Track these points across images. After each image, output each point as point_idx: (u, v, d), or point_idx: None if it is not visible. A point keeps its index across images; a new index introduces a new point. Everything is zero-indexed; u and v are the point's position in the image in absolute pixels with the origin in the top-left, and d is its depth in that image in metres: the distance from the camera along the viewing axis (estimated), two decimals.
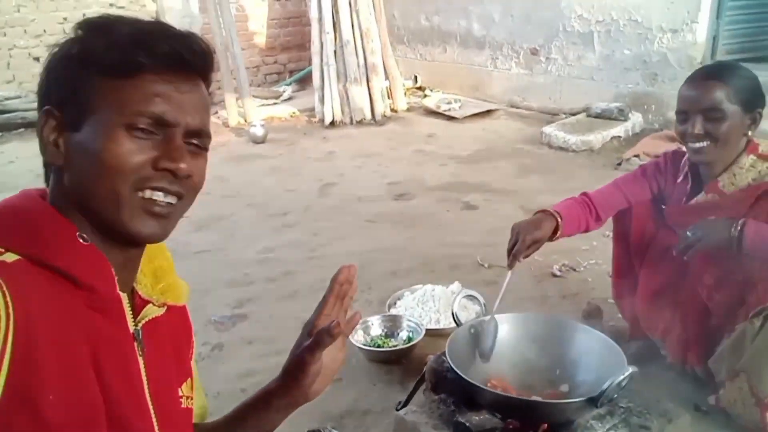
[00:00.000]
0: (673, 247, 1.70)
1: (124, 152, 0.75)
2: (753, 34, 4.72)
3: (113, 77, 0.76)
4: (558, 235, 1.81)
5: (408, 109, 5.86)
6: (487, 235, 3.21)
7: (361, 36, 5.58)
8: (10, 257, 0.70)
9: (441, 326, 2.33)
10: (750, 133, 1.64)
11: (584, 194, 1.94)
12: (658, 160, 1.94)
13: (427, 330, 2.31)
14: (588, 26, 5.05)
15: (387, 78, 5.75)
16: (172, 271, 0.93)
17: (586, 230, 1.92)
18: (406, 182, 4.06)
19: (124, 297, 0.81)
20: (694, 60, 4.53)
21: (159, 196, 0.78)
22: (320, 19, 5.58)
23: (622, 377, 1.28)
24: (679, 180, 1.83)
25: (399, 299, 2.54)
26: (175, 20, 5.93)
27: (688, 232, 1.67)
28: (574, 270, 2.80)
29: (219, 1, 5.74)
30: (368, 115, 5.56)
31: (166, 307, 0.88)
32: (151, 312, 0.85)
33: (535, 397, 1.47)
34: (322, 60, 5.56)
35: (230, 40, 5.74)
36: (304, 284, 2.74)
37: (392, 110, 5.76)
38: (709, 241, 1.62)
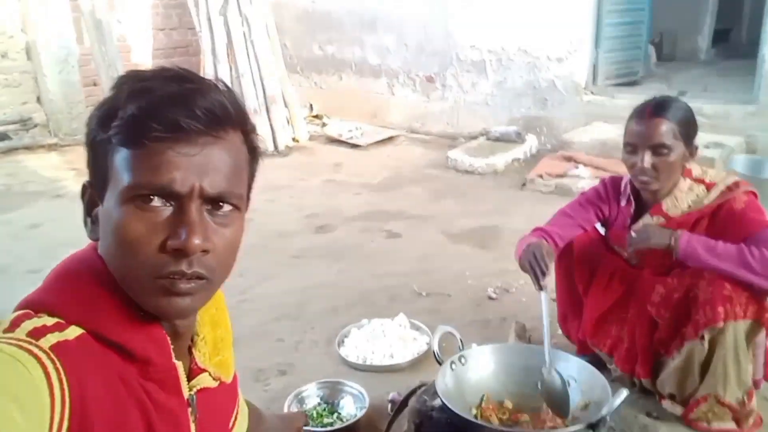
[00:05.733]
0: (622, 251, 1.85)
1: (137, 235, 0.72)
2: (625, 61, 5.22)
3: (124, 147, 0.73)
4: None
5: (309, 138, 5.82)
6: (417, 262, 3.25)
7: (258, 66, 5.49)
8: (73, 333, 0.71)
9: (395, 361, 2.32)
10: (688, 162, 1.81)
11: (539, 229, 2.01)
12: (597, 187, 2.07)
13: (382, 366, 2.29)
14: (480, 55, 5.32)
15: (286, 106, 5.69)
16: (231, 344, 0.93)
17: None
18: (324, 214, 4.01)
19: (179, 365, 0.81)
20: (579, 86, 4.92)
21: (178, 281, 0.74)
22: (213, 51, 5.43)
23: (619, 400, 1.34)
24: (622, 204, 1.97)
25: (346, 337, 2.49)
26: (50, 53, 5.53)
27: (633, 234, 1.83)
28: (507, 291, 2.90)
29: (98, 31, 5.41)
30: (271, 147, 5.45)
31: (219, 382, 0.89)
32: (205, 381, 0.87)
33: (524, 419, 1.50)
34: None
35: (115, 72, 5.41)
36: (242, 330, 2.60)
37: (294, 140, 5.70)
38: (652, 242, 1.79)
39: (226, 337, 0.94)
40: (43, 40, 5.53)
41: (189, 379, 0.84)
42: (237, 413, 1.03)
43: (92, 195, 0.77)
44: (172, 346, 0.79)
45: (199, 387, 0.85)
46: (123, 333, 0.74)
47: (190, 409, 0.83)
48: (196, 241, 0.72)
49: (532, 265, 1.80)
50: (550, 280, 1.79)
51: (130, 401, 0.74)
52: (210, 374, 0.87)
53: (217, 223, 0.76)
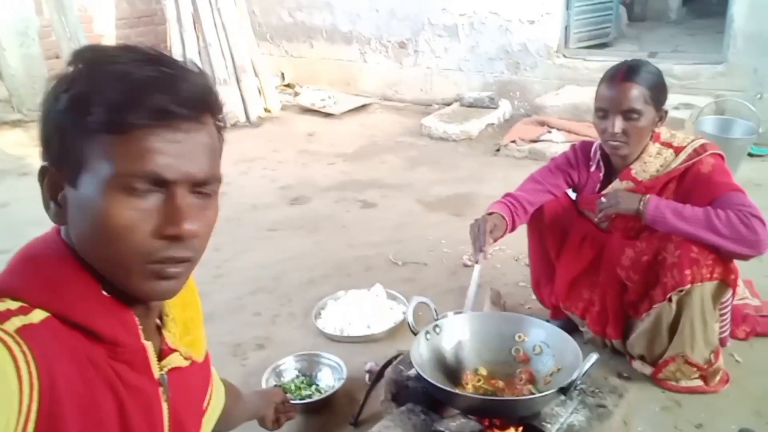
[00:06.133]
0: (592, 216, 1.91)
1: (126, 222, 0.72)
2: (597, 23, 5.21)
3: (104, 133, 0.72)
4: (505, 232, 1.91)
5: (282, 108, 5.74)
6: (392, 232, 3.26)
7: (226, 35, 5.35)
8: (38, 316, 0.71)
9: (372, 332, 2.34)
10: (658, 126, 1.82)
11: (508, 194, 2.03)
12: (567, 153, 2.08)
13: (359, 337, 2.31)
14: (452, 19, 5.25)
15: (256, 76, 5.58)
16: (201, 323, 0.94)
17: (514, 228, 2.01)
18: (298, 185, 3.98)
19: (149, 345, 0.81)
20: (551, 48, 4.90)
21: (169, 266, 0.76)
22: (178, 19, 5.27)
23: (588, 365, 1.37)
24: (592, 169, 1.99)
25: (323, 309, 2.50)
26: (8, 25, 5.32)
27: (603, 199, 1.87)
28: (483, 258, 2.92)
29: (58, 1, 5.21)
30: (242, 118, 5.36)
31: (190, 361, 0.90)
32: (177, 361, 0.87)
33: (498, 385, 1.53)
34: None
35: (77, 44, 5.24)
36: (218, 305, 2.60)
37: (266, 110, 5.61)
38: (621, 207, 1.82)
39: (196, 317, 0.95)
40: (1, 13, 5.31)
41: (160, 359, 0.84)
42: (211, 392, 1.04)
43: (55, 178, 0.75)
44: (140, 327, 0.79)
45: (170, 367, 0.85)
46: (89, 315, 0.74)
47: (161, 389, 0.83)
48: (191, 227, 0.74)
49: (474, 238, 1.82)
50: (487, 254, 1.83)
51: (100, 383, 0.74)
52: (181, 354, 0.88)
53: (201, 206, 0.78)
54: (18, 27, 5.41)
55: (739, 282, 1.88)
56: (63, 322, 0.72)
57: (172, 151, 0.73)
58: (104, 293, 0.76)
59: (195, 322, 0.93)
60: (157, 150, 0.72)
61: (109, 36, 6.42)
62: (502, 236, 1.92)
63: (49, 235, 0.80)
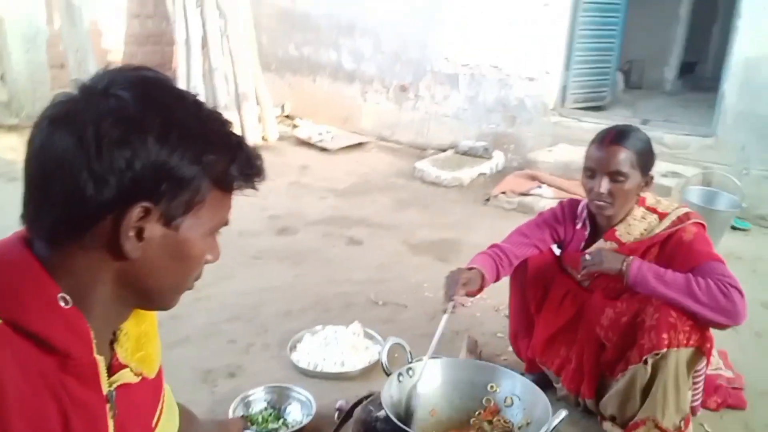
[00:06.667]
0: (575, 273, 1.91)
1: (205, 254, 0.86)
2: (594, 86, 5.34)
3: (222, 191, 0.84)
4: (482, 287, 1.92)
5: (279, 139, 5.79)
6: (375, 271, 3.26)
7: (232, 61, 5.44)
8: None
9: (345, 369, 2.31)
10: (643, 191, 1.87)
11: (494, 245, 2.05)
12: (555, 209, 2.11)
13: (332, 374, 2.29)
14: (454, 68, 5.37)
15: (258, 105, 5.65)
16: (155, 338, 0.95)
17: (498, 279, 2.02)
18: (287, 216, 3.99)
19: (101, 360, 0.80)
20: (547, 106, 5.01)
21: None
22: (187, 42, 5.36)
23: (557, 421, 1.36)
24: (578, 227, 2.02)
25: (299, 342, 2.48)
26: (17, 31, 5.38)
27: (587, 256, 1.88)
28: (463, 305, 2.90)
29: (69, 12, 5.28)
30: None
31: (140, 377, 0.90)
32: (126, 377, 0.87)
33: None
34: (189, 85, 5.31)
35: (84, 56, 5.30)
36: (194, 329, 2.57)
37: (263, 139, 5.65)
38: (604, 266, 1.84)
39: (151, 331, 0.95)
40: (12, 17, 5.37)
41: (110, 374, 0.83)
42: (161, 410, 1.01)
43: (152, 217, 0.77)
44: (95, 341, 0.79)
45: (119, 383, 0.85)
46: (44, 324, 0.74)
47: (108, 405, 0.82)
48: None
49: (447, 287, 1.85)
50: (456, 304, 1.82)
51: (47, 394, 0.73)
52: (131, 370, 0.87)
53: None
54: (27, 33, 5.46)
55: (714, 352, 1.90)
56: (15, 329, 0.72)
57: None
58: (61, 304, 0.76)
59: (149, 336, 0.93)
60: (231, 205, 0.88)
61: (116, 52, 6.50)
62: (477, 292, 1.94)
63: (10, 241, 0.80)
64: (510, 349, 2.41)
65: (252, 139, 5.46)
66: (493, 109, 5.24)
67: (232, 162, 0.82)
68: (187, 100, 0.82)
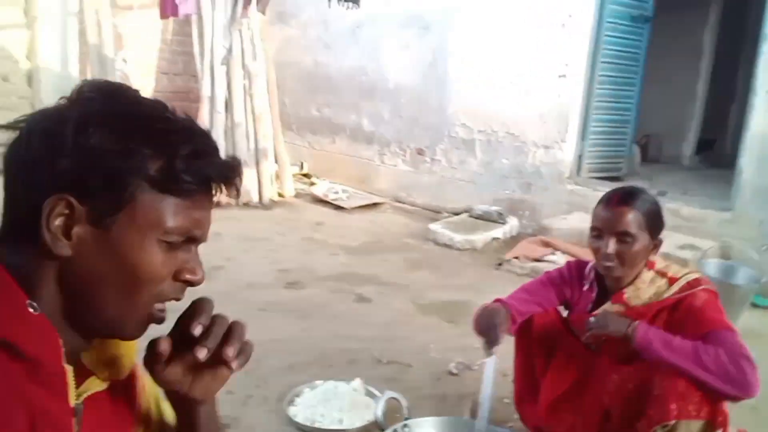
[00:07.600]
0: (581, 335, 1.87)
1: (158, 270, 0.78)
2: (609, 156, 5.36)
3: (161, 191, 0.76)
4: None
5: (295, 195, 5.85)
6: (382, 329, 3.20)
7: (254, 119, 5.58)
8: None
9: (343, 426, 2.24)
10: (652, 255, 1.84)
11: (498, 300, 2.01)
12: (562, 269, 2.08)
13: (329, 430, 2.21)
14: (471, 134, 5.45)
15: (276, 162, 5.75)
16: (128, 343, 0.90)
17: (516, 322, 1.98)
18: (297, 270, 3.98)
19: (69, 370, 0.77)
20: (563, 174, 5.02)
21: (163, 312, 0.83)
22: (212, 98, 5.52)
23: None
24: (585, 288, 1.98)
25: (297, 396, 2.42)
26: (51, 82, 5.60)
27: (592, 319, 1.84)
28: (469, 368, 2.84)
29: (102, 67, 5.50)
30: (255, 198, 5.47)
31: (108, 383, 0.87)
32: (94, 386, 0.84)
33: None
34: None
35: None
36: None
37: (279, 195, 5.73)
38: (609, 330, 1.80)
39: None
40: (46, 69, 5.61)
41: (77, 385, 0.80)
42: (140, 418, 0.95)
43: (73, 212, 0.74)
44: (63, 350, 0.76)
45: (87, 394, 0.82)
46: (14, 330, 0.72)
47: (75, 419, 0.79)
48: (202, 275, 0.84)
49: (486, 330, 1.79)
50: (500, 348, 1.77)
51: (16, 402, 0.71)
52: (97, 377, 0.84)
53: None
54: (60, 85, 5.67)
55: (731, 429, 1.80)
56: None
57: (207, 219, 0.83)
58: (30, 311, 0.74)
59: (116, 342, 0.89)
60: (205, 217, 0.82)
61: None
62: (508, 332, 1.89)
63: None
64: (516, 416, 2.32)
65: (268, 195, 5.54)
66: (508, 175, 5.27)
67: (173, 158, 0.75)
68: (140, 100, 0.79)
